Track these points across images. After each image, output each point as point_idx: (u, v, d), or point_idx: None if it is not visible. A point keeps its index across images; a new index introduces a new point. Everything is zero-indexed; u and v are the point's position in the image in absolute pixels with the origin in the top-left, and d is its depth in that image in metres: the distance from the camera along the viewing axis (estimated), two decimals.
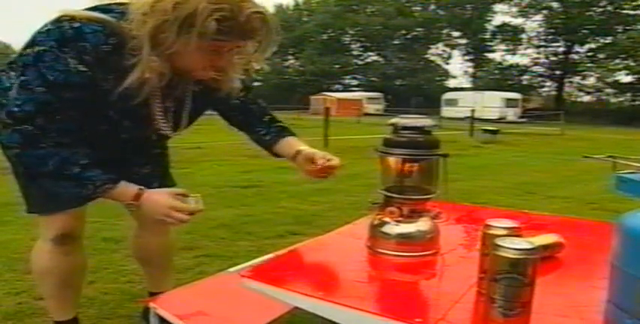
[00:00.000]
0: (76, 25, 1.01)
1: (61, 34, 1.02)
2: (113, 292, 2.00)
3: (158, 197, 1.12)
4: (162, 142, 1.45)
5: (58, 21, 1.03)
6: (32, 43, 1.05)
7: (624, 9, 30.51)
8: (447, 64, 41.93)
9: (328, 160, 1.29)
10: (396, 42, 41.64)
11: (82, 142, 1.11)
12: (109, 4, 1.08)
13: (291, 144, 1.38)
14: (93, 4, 1.09)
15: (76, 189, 1.09)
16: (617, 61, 30.65)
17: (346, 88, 41.47)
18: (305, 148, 1.35)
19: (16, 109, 1.03)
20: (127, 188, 1.12)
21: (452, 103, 28.03)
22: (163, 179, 1.51)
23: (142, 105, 1.14)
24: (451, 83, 40.94)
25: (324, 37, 43.64)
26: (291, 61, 46.43)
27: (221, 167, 5.80)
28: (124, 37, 1.02)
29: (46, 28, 1.04)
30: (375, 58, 44.18)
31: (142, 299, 1.73)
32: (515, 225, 0.92)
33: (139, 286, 2.02)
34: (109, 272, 2.21)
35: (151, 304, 1.30)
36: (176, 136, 1.30)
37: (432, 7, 39.89)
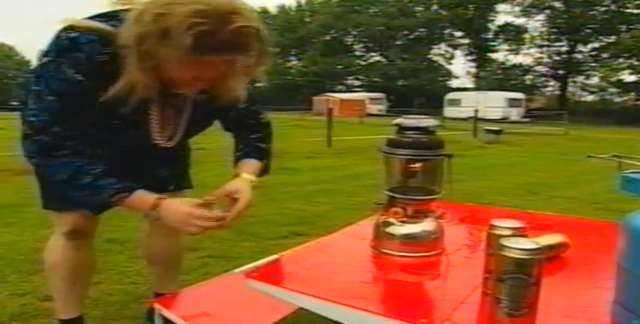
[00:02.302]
0: (73, 35, 1.03)
1: (59, 45, 1.04)
2: (118, 293, 2.00)
3: (177, 205, 1.11)
4: (182, 145, 1.41)
5: (60, 31, 1.05)
6: (43, 53, 1.08)
7: (628, 8, 30.40)
8: (450, 64, 41.83)
9: (234, 200, 1.16)
10: (398, 42, 41.60)
11: (96, 148, 1.12)
12: (116, 11, 1.08)
13: (244, 166, 1.29)
14: (101, 11, 1.09)
15: (90, 198, 1.10)
16: (621, 60, 30.55)
17: (349, 89, 41.47)
18: (244, 176, 1.24)
19: (33, 118, 1.06)
20: (144, 197, 1.11)
21: (455, 103, 27.96)
22: (180, 181, 1.51)
23: (145, 114, 1.15)
24: (454, 83, 40.91)
25: (327, 37, 43.66)
26: (294, 62, 46.48)
27: (224, 168, 5.81)
28: (119, 46, 1.01)
29: (52, 38, 1.07)
30: (378, 58, 44.16)
31: (147, 300, 1.74)
32: (520, 225, 0.92)
33: (144, 287, 2.02)
34: (114, 273, 2.21)
35: (156, 305, 1.30)
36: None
37: (435, 7, 39.81)
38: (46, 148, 1.06)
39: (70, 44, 1.02)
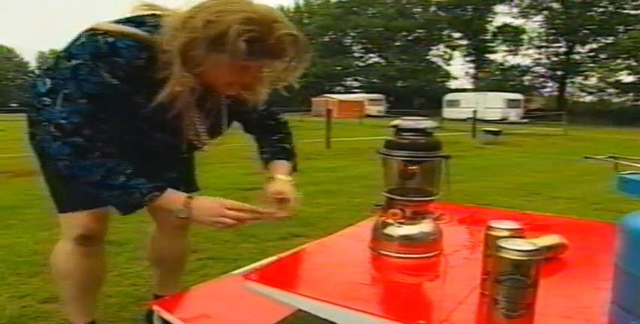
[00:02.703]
0: (110, 40, 1.04)
1: (96, 49, 1.05)
2: (117, 295, 2.00)
3: (209, 200, 1.15)
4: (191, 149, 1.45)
5: (92, 35, 1.06)
6: (69, 56, 1.08)
7: (625, 9, 30.45)
8: (449, 65, 41.88)
9: (281, 200, 1.25)
10: (397, 43, 41.61)
11: (120, 151, 1.14)
12: (143, 16, 1.10)
13: (277, 168, 1.36)
14: (126, 16, 1.11)
15: (124, 198, 1.11)
16: (619, 61, 30.58)
17: (348, 90, 41.48)
18: (281, 178, 1.32)
19: (63, 121, 1.06)
20: (174, 196, 1.14)
21: (454, 104, 27.95)
22: (189, 184, 1.52)
23: (174, 117, 1.16)
24: (453, 84, 40.92)
25: (326, 39, 43.63)
26: None
27: (224, 170, 5.81)
28: (156, 51, 1.04)
29: (81, 41, 1.08)
30: (377, 59, 44.16)
31: (146, 302, 1.74)
32: (518, 226, 0.93)
33: (143, 288, 2.02)
34: (113, 275, 2.21)
35: (155, 307, 1.30)
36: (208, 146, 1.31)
37: (433, 8, 39.84)
38: (80, 149, 1.07)
39: (108, 49, 1.04)
